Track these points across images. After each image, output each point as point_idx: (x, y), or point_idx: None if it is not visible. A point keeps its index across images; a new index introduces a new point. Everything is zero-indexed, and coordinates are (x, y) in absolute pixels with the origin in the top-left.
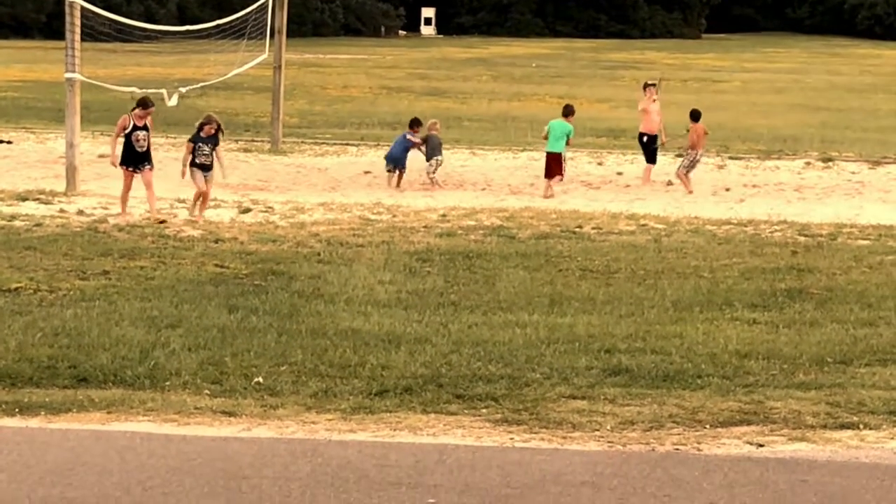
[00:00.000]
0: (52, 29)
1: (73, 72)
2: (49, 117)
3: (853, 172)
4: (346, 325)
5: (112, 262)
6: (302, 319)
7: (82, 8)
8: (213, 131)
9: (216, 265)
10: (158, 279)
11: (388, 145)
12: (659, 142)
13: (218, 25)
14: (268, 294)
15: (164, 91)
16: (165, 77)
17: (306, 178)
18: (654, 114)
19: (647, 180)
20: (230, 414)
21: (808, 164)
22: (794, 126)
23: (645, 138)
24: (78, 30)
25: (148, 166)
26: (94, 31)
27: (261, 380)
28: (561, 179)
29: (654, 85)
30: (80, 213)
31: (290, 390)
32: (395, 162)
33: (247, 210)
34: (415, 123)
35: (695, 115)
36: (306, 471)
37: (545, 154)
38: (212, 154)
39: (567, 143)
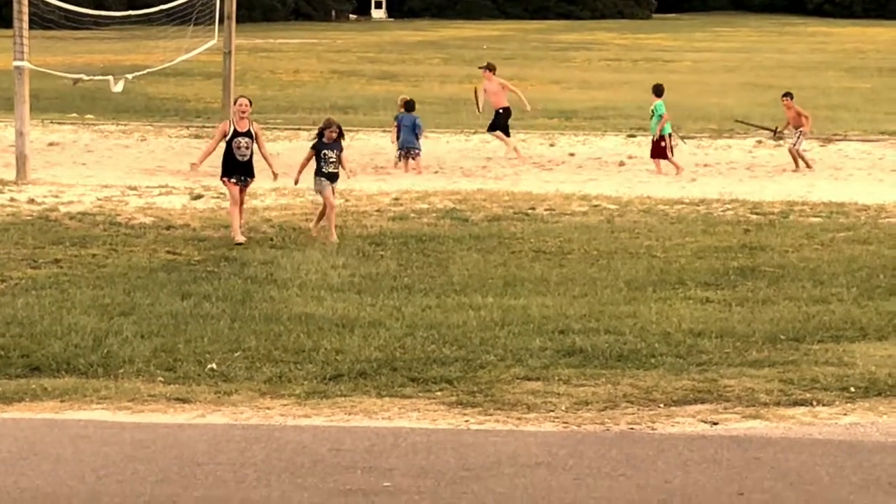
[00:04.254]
0: (1, 16)
1: (22, 60)
2: None
3: (804, 150)
4: (299, 310)
5: (63, 250)
6: (255, 305)
7: None
8: (334, 135)
9: (168, 252)
10: (110, 267)
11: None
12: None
13: (163, 10)
14: (220, 280)
15: (110, 77)
16: (115, 64)
17: (258, 163)
18: (494, 93)
19: (520, 155)
20: (184, 401)
21: (759, 142)
22: (746, 105)
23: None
24: (26, 17)
25: (248, 181)
26: (42, 19)
27: (214, 366)
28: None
29: (486, 67)
30: (31, 201)
31: (243, 376)
32: (410, 146)
33: (198, 196)
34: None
35: (789, 94)
36: (261, 456)
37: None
38: (338, 161)
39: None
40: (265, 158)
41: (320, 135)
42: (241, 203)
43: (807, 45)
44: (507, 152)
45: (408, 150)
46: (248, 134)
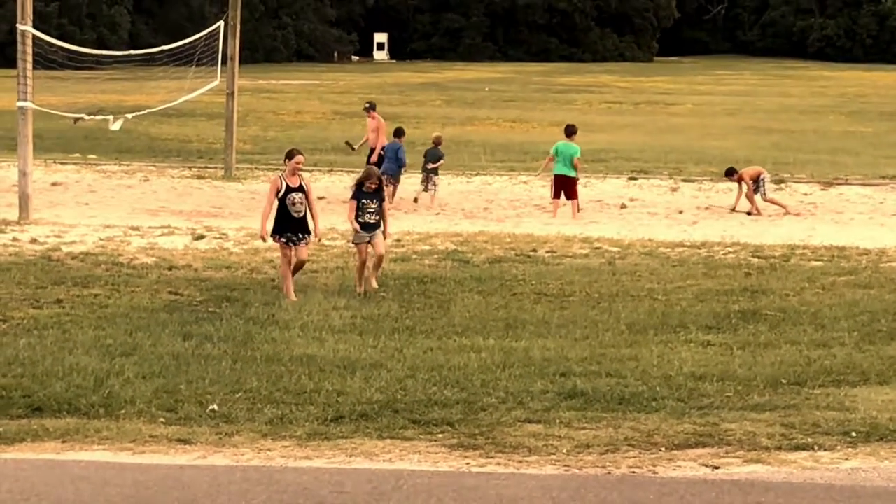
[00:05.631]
0: (5, 57)
1: (26, 100)
2: (1, 145)
3: (805, 194)
4: (301, 351)
5: (66, 290)
6: (257, 346)
7: (34, 36)
8: (374, 186)
9: (170, 292)
10: (112, 307)
11: (344, 170)
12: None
13: (164, 51)
14: (222, 321)
15: (110, 117)
16: (118, 104)
17: (260, 204)
18: (374, 132)
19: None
20: (185, 442)
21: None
22: (747, 148)
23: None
24: (30, 58)
25: (304, 240)
26: (45, 59)
27: (216, 407)
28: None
29: (371, 108)
30: (34, 241)
31: (245, 417)
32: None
33: (200, 237)
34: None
35: (730, 172)
36: (262, 498)
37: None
38: (379, 211)
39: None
40: (312, 217)
41: (360, 185)
42: (301, 262)
43: (808, 89)
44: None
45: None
46: (300, 189)
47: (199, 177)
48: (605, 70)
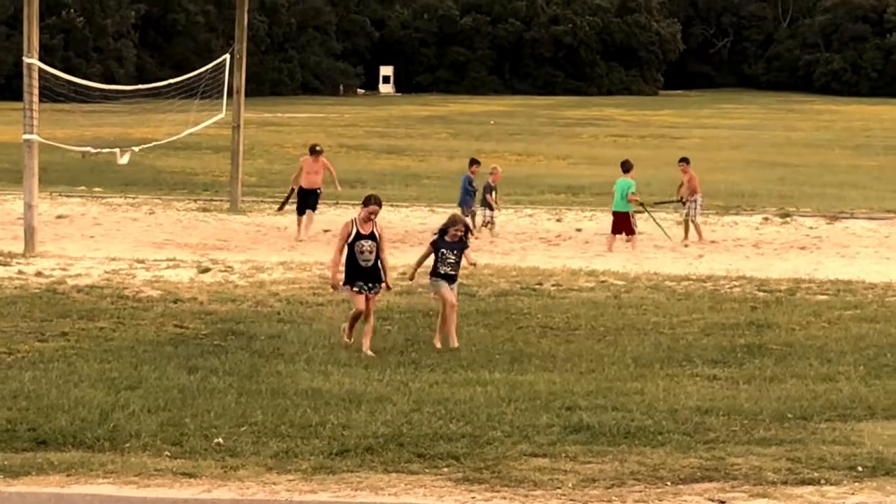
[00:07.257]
0: (11, 89)
1: (31, 133)
2: (7, 178)
3: (811, 227)
4: (306, 384)
5: (71, 323)
6: (262, 379)
7: (40, 69)
8: (459, 234)
9: (175, 326)
10: (118, 340)
11: (349, 205)
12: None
13: (171, 84)
14: (227, 354)
15: (116, 150)
16: (125, 137)
17: (265, 237)
18: (316, 173)
19: (306, 230)
20: (190, 475)
21: (766, 219)
22: (752, 182)
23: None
24: (36, 91)
25: (375, 289)
26: (52, 92)
27: (221, 441)
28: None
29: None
30: (39, 274)
31: (250, 451)
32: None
33: (206, 270)
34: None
35: (685, 160)
36: None
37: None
38: (459, 262)
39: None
40: (382, 264)
41: (443, 232)
42: (369, 312)
43: (813, 123)
44: (300, 234)
45: (463, 208)
46: (371, 237)
47: (205, 209)
48: (611, 103)
